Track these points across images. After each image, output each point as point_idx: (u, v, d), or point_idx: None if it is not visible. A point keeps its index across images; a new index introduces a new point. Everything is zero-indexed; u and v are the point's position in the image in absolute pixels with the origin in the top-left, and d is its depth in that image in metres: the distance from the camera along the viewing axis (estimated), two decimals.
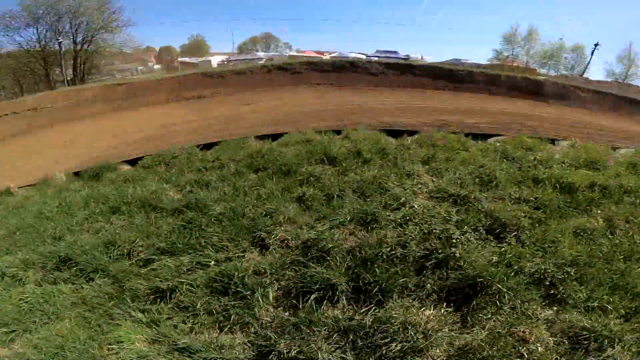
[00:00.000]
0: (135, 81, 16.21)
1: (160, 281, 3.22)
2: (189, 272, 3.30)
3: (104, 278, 3.48)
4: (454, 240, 3.13)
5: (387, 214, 3.62)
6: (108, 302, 3.20)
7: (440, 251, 3.02)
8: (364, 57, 22.90)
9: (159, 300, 3.11)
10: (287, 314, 2.77)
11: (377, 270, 2.86)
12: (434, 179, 4.45)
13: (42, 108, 14.25)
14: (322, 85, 14.26)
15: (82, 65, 26.13)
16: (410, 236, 3.25)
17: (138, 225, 4.09)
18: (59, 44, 25.42)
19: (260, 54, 40.56)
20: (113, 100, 14.15)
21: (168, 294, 3.11)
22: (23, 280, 3.77)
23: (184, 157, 5.96)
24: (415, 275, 2.90)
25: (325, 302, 2.77)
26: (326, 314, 2.66)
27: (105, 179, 5.80)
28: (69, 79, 25.19)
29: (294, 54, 35.12)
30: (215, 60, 35.41)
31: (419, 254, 3.06)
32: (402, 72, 15.26)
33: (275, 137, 6.60)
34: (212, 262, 3.35)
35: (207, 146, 6.56)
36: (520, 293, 2.61)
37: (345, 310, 2.71)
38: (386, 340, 2.36)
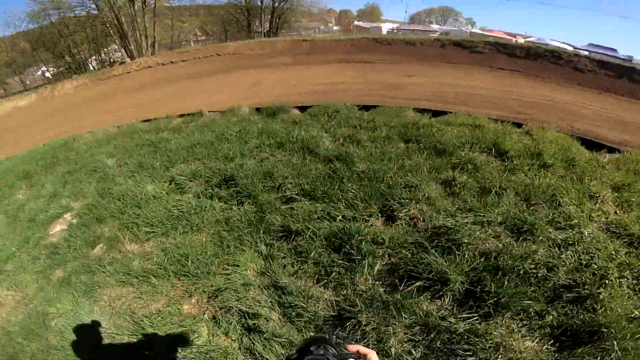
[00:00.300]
0: (317, 39, 17.58)
1: (293, 222, 3.44)
2: (318, 220, 3.44)
3: (252, 205, 3.87)
4: (607, 281, 2.53)
5: (549, 230, 3.02)
6: (246, 228, 3.57)
7: (587, 288, 2.46)
8: (570, 48, 18.77)
9: (284, 238, 3.35)
10: (382, 289, 2.68)
11: (505, 282, 2.50)
12: (617, 210, 3.48)
13: (240, 53, 17.10)
14: (505, 70, 12.42)
15: (277, 20, 29.81)
16: (564, 262, 2.70)
17: (294, 163, 4.45)
18: (261, 0, 29.51)
19: (435, 26, 38.27)
20: (297, 54, 15.76)
21: (293, 235, 3.31)
22: (185, 189, 4.45)
23: (344, 113, 6.15)
24: (545, 302, 2.45)
25: (427, 293, 2.58)
26: (421, 305, 2.49)
27: (279, 118, 6.48)
28: (265, 31, 29.29)
29: (477, 31, 31.71)
30: (385, 28, 35.25)
31: (562, 282, 2.55)
32: (619, 75, 11.89)
33: (436, 114, 6.14)
34: (339, 217, 3.41)
35: (366, 107, 6.66)
36: (628, 358, 2.10)
37: (443, 308, 2.49)
38: (467, 353, 2.22)
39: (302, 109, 7.12)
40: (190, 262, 3.23)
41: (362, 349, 0.95)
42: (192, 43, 33.41)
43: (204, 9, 33.29)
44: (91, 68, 29.27)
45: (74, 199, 5.20)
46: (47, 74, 33.10)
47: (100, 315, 3.11)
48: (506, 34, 29.95)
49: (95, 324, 3.04)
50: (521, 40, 21.30)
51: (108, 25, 24.68)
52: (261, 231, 3.48)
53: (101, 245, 3.98)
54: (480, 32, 30.87)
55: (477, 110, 6.41)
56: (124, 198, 4.57)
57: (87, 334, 2.98)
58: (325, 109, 6.45)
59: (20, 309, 3.63)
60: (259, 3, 29.62)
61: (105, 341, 2.88)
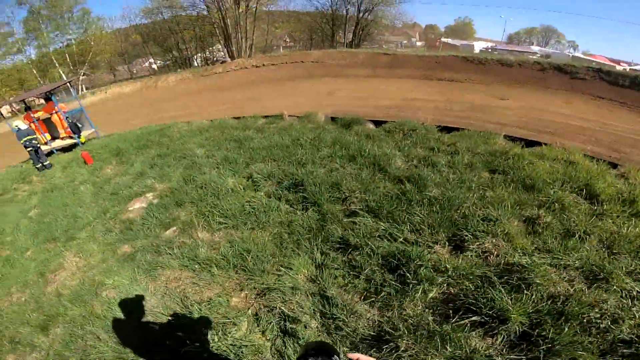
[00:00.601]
0: (398, 54, 17.30)
1: (353, 236, 3.47)
2: (378, 239, 3.41)
3: (316, 213, 3.97)
4: None
5: (626, 280, 2.78)
6: (305, 234, 3.66)
7: None
8: None
9: (340, 250, 3.38)
10: (432, 318, 2.57)
11: (565, 328, 2.37)
12: None
13: (322, 62, 17.63)
14: (606, 100, 11.02)
15: (361, 32, 30.18)
16: (633, 314, 2.49)
17: (363, 178, 4.46)
18: (347, 10, 30.10)
19: (535, 48, 35.63)
20: (377, 67, 15.72)
21: (350, 249, 3.33)
22: (260, 187, 4.71)
23: (422, 133, 5.98)
24: (597, 355, 2.27)
25: (480, 329, 2.45)
26: (470, 340, 2.38)
27: (353, 130, 6.55)
28: (347, 41, 29.89)
29: (579, 55, 28.70)
30: (478, 46, 33.82)
31: (623, 336, 2.35)
32: None
33: (529, 143, 5.65)
34: (401, 239, 3.34)
35: (447, 129, 6.37)
36: None
37: (493, 347, 2.35)
38: None
39: (377, 123, 7.09)
40: (250, 257, 3.40)
41: (362, 357, 0.96)
42: (281, 48, 35.65)
43: (294, 16, 35.16)
44: (195, 64, 32.74)
45: (159, 180, 5.75)
46: (154, 66, 37.76)
47: (154, 294, 3.35)
48: (609, 60, 26.55)
49: (145, 301, 3.28)
50: (626, 68, 18.68)
51: (215, 26, 27.36)
52: (319, 239, 3.55)
53: (174, 228, 4.31)
54: (582, 56, 27.88)
55: (572, 142, 5.82)
56: (206, 187, 4.95)
57: (133, 309, 3.23)
58: (401, 126, 6.34)
59: (78, 274, 4.07)
60: (344, 12, 30.34)
61: (149, 318, 3.11)
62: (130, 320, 3.17)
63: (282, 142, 6.11)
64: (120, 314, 3.24)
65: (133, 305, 3.27)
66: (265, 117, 8.54)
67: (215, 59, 32.61)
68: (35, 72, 29.91)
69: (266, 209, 4.18)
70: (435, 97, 9.97)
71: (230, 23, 25.81)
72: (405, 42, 41.47)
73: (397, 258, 3.07)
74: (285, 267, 3.25)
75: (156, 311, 3.14)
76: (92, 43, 30.55)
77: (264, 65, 18.80)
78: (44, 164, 9.12)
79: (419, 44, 42.60)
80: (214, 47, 33.21)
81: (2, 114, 12.44)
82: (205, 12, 27.63)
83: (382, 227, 3.54)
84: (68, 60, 30.42)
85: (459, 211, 3.66)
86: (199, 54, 34.20)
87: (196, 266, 3.53)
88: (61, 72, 29.99)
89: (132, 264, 3.83)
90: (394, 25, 34.01)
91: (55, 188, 7.18)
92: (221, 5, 25.35)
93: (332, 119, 7.66)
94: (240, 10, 25.68)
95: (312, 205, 4.10)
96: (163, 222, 4.48)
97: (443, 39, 39.44)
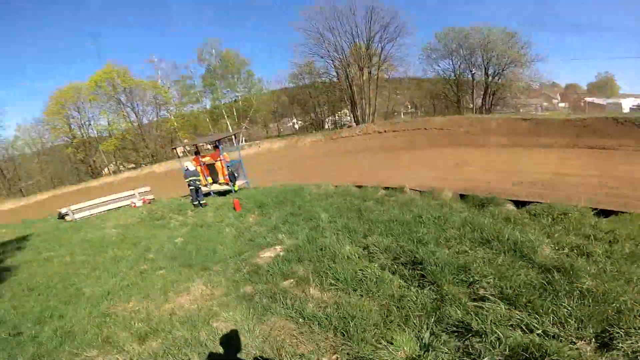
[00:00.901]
0: (540, 118, 15.68)
1: (477, 321, 3.08)
2: (509, 327, 2.99)
3: (433, 292, 3.75)
4: None
5: None
6: (417, 311, 3.44)
7: None
8: None
9: (456, 334, 3.02)
10: None
11: None
12: None
13: (447, 129, 17.34)
14: None
15: (491, 97, 28.94)
16: None
17: (499, 264, 4.05)
18: (472, 74, 29.61)
19: None
20: (513, 134, 14.66)
21: (470, 335, 2.95)
22: (374, 258, 4.71)
23: (575, 217, 5.27)
24: None
25: None
26: None
27: (487, 211, 6.10)
28: (476, 107, 28.99)
29: None
30: (626, 104, 28.83)
31: None
32: None
33: None
34: (539, 331, 2.89)
35: (604, 212, 5.47)
36: None
37: None
38: None
39: (519, 204, 6.42)
40: (353, 323, 3.33)
41: None
42: (402, 114, 36.98)
43: (414, 83, 36.45)
44: (326, 127, 37.09)
45: (288, 236, 6.36)
46: (296, 126, 43.74)
47: (257, 336, 3.50)
48: None
49: (246, 341, 3.42)
50: None
51: (343, 92, 30.90)
52: (432, 319, 3.25)
53: (292, 280, 4.61)
54: None
55: None
56: (325, 249, 5.24)
57: (233, 345, 3.40)
58: (549, 208, 5.69)
59: (199, 301, 4.51)
60: (469, 77, 29.84)
61: (242, 357, 3.22)
62: (225, 355, 3.34)
63: (402, 217, 6.11)
64: (219, 346, 3.44)
65: (234, 342, 3.44)
66: (386, 188, 8.69)
67: (342, 122, 36.11)
68: (207, 120, 37.89)
69: (378, 280, 4.13)
70: (586, 171, 8.66)
71: (355, 90, 28.63)
72: (545, 104, 37.84)
73: (528, 351, 2.64)
74: (385, 340, 3.07)
75: (252, 353, 3.26)
76: (254, 101, 37.14)
77: (385, 131, 19.74)
78: (201, 202, 10.99)
79: (561, 105, 38.18)
80: (342, 112, 36.99)
81: (177, 153, 15.87)
82: (335, 79, 31.52)
83: (517, 317, 3.11)
84: (235, 113, 37.40)
85: (613, 305, 3.10)
86: (330, 117, 38.66)
87: (300, 320, 3.63)
88: (228, 123, 37.11)
89: (249, 304, 4.14)
90: (529, 87, 31.58)
91: (204, 224, 8.49)
92: (348, 72, 28.62)
93: (462, 196, 7.21)
94: (364, 77, 28.34)
95: (429, 284, 3.89)
96: (284, 272, 4.83)
97: (587, 99, 34.62)
